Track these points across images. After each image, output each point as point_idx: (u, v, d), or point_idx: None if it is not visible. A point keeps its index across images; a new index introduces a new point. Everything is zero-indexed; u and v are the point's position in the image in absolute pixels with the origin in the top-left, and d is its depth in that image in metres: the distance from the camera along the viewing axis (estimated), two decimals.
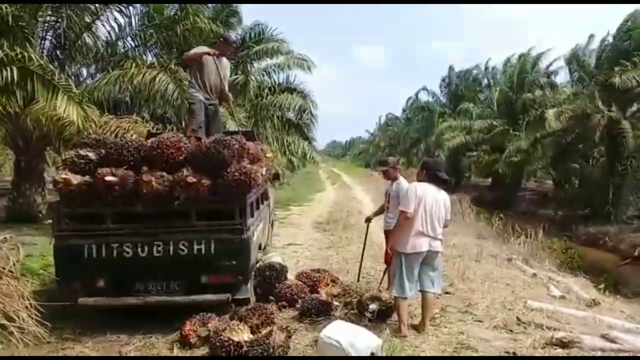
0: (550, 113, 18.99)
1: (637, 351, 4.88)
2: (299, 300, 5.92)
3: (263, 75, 18.02)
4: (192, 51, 7.09)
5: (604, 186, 18.32)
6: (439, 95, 41.10)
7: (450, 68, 39.96)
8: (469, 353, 4.75)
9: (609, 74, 17.63)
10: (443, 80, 40.35)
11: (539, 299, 6.75)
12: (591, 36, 24.02)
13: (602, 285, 8.75)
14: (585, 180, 20.39)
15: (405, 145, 46.86)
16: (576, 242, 16.52)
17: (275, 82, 18.62)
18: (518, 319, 5.69)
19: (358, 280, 7.09)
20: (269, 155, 7.60)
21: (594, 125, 17.64)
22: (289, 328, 4.74)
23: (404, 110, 58.76)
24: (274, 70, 18.31)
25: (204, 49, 7.20)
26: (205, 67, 7.07)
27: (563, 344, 4.90)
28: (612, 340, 5.00)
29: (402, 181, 6.39)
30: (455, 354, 4.71)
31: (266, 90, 17.87)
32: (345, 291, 6.26)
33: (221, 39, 7.04)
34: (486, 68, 36.21)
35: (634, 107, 19.87)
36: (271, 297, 6.11)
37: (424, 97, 43.31)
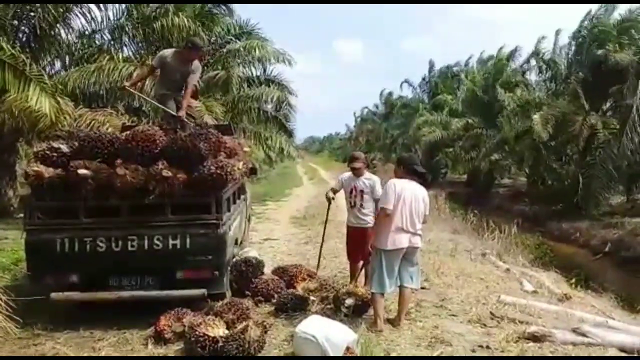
0: (537, 118, 19.03)
1: (607, 344, 4.99)
2: (275, 295, 5.90)
3: (243, 67, 17.86)
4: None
5: (576, 182, 18.65)
6: (419, 92, 41.40)
7: (430, 63, 40.28)
8: (443, 347, 4.80)
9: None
10: (423, 79, 40.62)
11: (512, 294, 6.86)
12: (558, 32, 24.48)
13: (573, 280, 8.92)
14: (558, 177, 20.76)
15: (384, 141, 47.08)
16: (549, 238, 16.82)
17: (254, 75, 18.52)
18: (491, 313, 5.78)
19: (317, 267, 7.04)
20: (246, 149, 7.54)
21: (577, 132, 17.82)
22: (264, 323, 4.72)
23: (376, 107, 59.10)
24: (253, 64, 18.21)
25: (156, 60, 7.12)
26: (165, 71, 6.95)
27: (535, 338, 4.99)
28: (583, 334, 5.10)
29: (374, 176, 6.39)
30: (430, 348, 4.75)
31: (244, 83, 17.74)
32: (321, 286, 6.25)
33: (189, 45, 6.93)
34: (466, 64, 36.55)
35: (607, 105, 20.36)
36: (247, 292, 6.08)
37: (405, 92, 43.51)
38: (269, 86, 18.13)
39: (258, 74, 18.63)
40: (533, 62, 27.28)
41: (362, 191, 6.25)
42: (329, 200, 6.62)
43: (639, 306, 8.55)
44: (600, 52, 19.16)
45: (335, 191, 6.63)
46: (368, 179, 6.29)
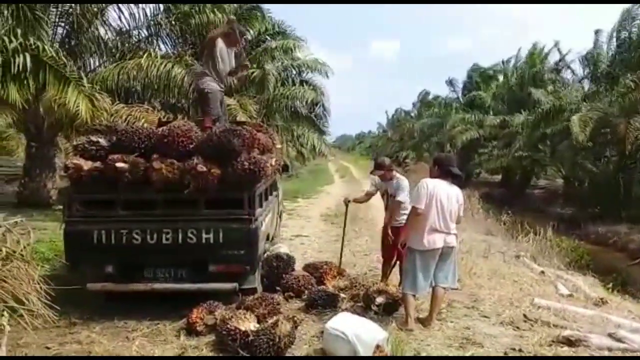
0: (575, 120, 18.51)
1: None
2: (306, 292, 5.94)
3: (280, 72, 18.03)
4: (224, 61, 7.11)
5: (614, 184, 18.12)
6: (457, 92, 40.80)
7: (474, 65, 39.58)
8: (474, 348, 4.74)
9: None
10: (464, 84, 39.96)
11: (547, 297, 6.73)
12: (597, 31, 23.77)
13: (610, 285, 8.69)
14: (596, 179, 20.20)
15: (417, 139, 46.63)
16: (585, 241, 16.39)
17: (289, 76, 18.66)
18: (525, 316, 5.67)
19: (339, 263, 7.07)
20: (278, 146, 7.60)
21: (622, 132, 17.18)
22: (295, 318, 4.74)
23: (413, 105, 58.66)
24: (290, 64, 18.38)
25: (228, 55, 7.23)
26: (221, 56, 7.08)
27: (570, 342, 4.88)
28: (620, 340, 4.97)
29: (402, 179, 6.39)
30: (462, 349, 4.70)
31: (279, 83, 17.87)
32: (352, 284, 6.26)
33: (232, 29, 7.01)
34: (504, 63, 35.89)
35: None
36: (278, 288, 6.13)
37: (442, 91, 42.97)
38: (303, 86, 18.25)
39: (293, 74, 18.77)
40: (570, 59, 26.74)
41: (392, 195, 6.32)
42: (346, 203, 7.27)
43: None
44: None
45: (371, 194, 6.95)
46: (396, 181, 6.35)
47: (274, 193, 7.97)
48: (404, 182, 6.31)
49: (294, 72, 18.78)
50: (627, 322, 5.93)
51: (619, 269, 12.59)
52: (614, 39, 22.35)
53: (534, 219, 16.09)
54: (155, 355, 4.36)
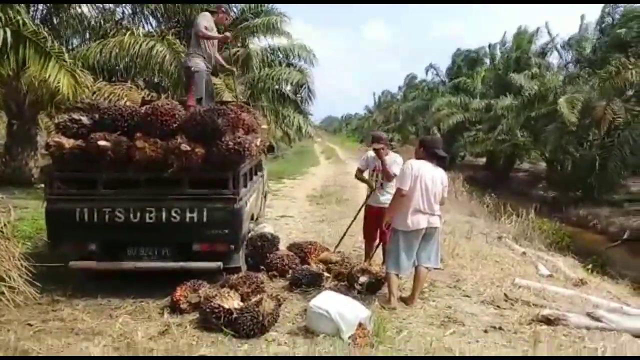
0: (562, 102, 18.65)
1: (621, 330, 4.96)
2: (290, 271, 5.96)
3: (264, 53, 17.84)
4: (209, 34, 7.03)
5: (593, 166, 18.34)
6: (442, 76, 40.81)
7: (458, 50, 39.52)
8: (455, 326, 4.82)
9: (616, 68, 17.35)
10: (448, 68, 39.92)
11: (527, 277, 6.84)
12: (583, 16, 23.98)
13: (590, 266, 8.86)
14: (578, 163, 20.44)
15: (403, 122, 46.72)
16: (567, 223, 16.62)
17: (276, 57, 18.47)
18: (505, 295, 5.77)
19: (335, 250, 7.04)
20: (264, 126, 7.56)
21: (600, 115, 17.42)
22: (278, 297, 4.78)
23: (399, 88, 58.67)
24: (276, 52, 18.21)
25: (214, 30, 7.15)
26: (208, 36, 7.03)
27: (549, 321, 4.98)
28: (597, 319, 5.07)
29: (396, 156, 6.32)
30: (443, 327, 4.77)
31: (266, 64, 17.69)
32: (335, 263, 6.30)
33: (222, 9, 7.00)
34: (489, 46, 35.93)
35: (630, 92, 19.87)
36: (262, 267, 6.15)
37: (429, 76, 42.93)
38: (289, 67, 18.09)
39: (280, 56, 18.58)
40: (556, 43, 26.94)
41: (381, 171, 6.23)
42: (372, 187, 6.38)
43: None
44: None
45: (361, 171, 6.62)
46: (391, 158, 6.22)
47: (259, 173, 7.96)
48: (399, 158, 6.23)
49: (281, 55, 18.61)
50: (605, 302, 6.05)
51: (599, 251, 12.83)
52: (598, 26, 22.59)
53: (517, 201, 16.25)
54: (139, 331, 4.36)
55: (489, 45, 35.54)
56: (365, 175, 6.61)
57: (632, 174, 18.79)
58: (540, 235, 11.80)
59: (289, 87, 19.15)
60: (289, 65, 18.42)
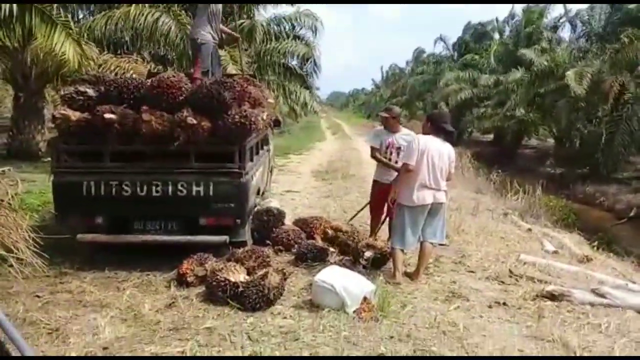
0: (570, 74, 18.45)
1: (625, 306, 4.97)
2: (295, 245, 5.98)
3: (269, 24, 17.65)
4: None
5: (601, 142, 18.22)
6: (451, 50, 40.35)
7: (469, 23, 38.94)
8: (460, 301, 4.84)
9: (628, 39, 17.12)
10: (457, 39, 39.40)
11: (532, 253, 6.84)
12: None
13: (595, 243, 8.84)
14: (586, 139, 20.29)
15: (410, 97, 46.37)
16: (574, 200, 16.60)
17: (281, 30, 18.27)
18: (510, 271, 5.77)
19: (350, 219, 7.14)
20: (270, 100, 7.52)
21: (607, 88, 17.27)
22: (284, 271, 4.81)
23: (407, 63, 58.08)
24: (282, 21, 18.00)
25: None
26: (218, 10, 6.96)
27: (553, 297, 4.99)
28: (602, 295, 5.08)
29: (413, 133, 6.17)
30: (447, 302, 4.79)
31: (272, 36, 17.50)
32: (345, 232, 6.30)
33: None
34: (496, 20, 35.44)
35: None
36: (268, 242, 6.17)
37: (437, 48, 42.47)
38: (296, 41, 17.90)
39: (286, 28, 18.37)
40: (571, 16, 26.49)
41: (399, 148, 6.09)
42: (393, 168, 6.00)
43: None
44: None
45: (376, 149, 6.29)
46: (406, 135, 6.13)
47: (265, 148, 7.94)
48: (412, 134, 6.11)
49: (287, 26, 18.38)
50: (610, 279, 6.06)
51: (605, 228, 12.82)
52: None
53: (524, 178, 16.19)
54: (146, 304, 4.42)
55: (496, 20, 35.08)
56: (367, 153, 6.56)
57: (638, 149, 18.67)
58: (547, 212, 11.78)
59: (295, 61, 19.01)
60: (295, 38, 18.21)
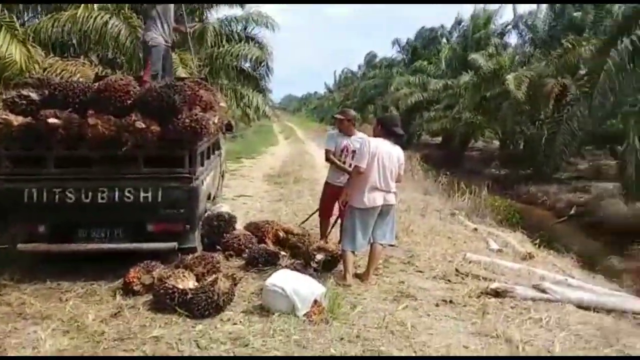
0: (510, 78, 19.20)
1: (565, 301, 5.21)
2: (247, 250, 5.97)
3: (221, 26, 17.47)
4: None
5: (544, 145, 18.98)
6: (402, 54, 41.13)
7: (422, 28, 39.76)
8: (408, 301, 4.96)
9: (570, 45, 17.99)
10: (406, 42, 40.19)
11: (478, 252, 7.08)
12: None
13: (537, 241, 9.21)
14: (529, 141, 21.08)
15: (361, 100, 46.88)
16: (517, 200, 17.22)
17: (233, 31, 18.10)
18: (457, 270, 5.96)
19: (301, 223, 7.20)
20: (222, 104, 7.48)
21: (549, 90, 18.07)
22: (234, 276, 4.79)
23: (359, 67, 58.76)
24: (233, 22, 17.86)
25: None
26: (168, 9, 6.85)
27: (497, 294, 5.19)
28: (543, 291, 5.31)
29: (366, 136, 6.27)
30: (396, 302, 4.90)
31: (224, 39, 17.32)
32: (296, 235, 6.33)
33: None
34: (441, 27, 36.44)
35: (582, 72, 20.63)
36: (218, 247, 6.14)
37: (389, 53, 43.24)
38: (249, 43, 17.79)
39: (238, 29, 18.22)
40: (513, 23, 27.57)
41: (354, 151, 6.07)
42: (347, 172, 5.93)
43: (598, 266, 9.00)
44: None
45: (330, 152, 6.30)
46: (360, 138, 6.15)
47: (217, 152, 7.88)
48: (366, 137, 6.22)
49: (239, 27, 18.22)
50: (550, 275, 6.33)
51: (546, 227, 13.36)
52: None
53: (471, 179, 16.67)
54: (89, 314, 4.31)
55: (440, 26, 36.08)
56: (321, 156, 6.60)
57: (578, 150, 19.55)
58: (492, 212, 12.20)
59: (247, 64, 18.90)
60: (248, 40, 18.07)
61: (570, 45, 17.71)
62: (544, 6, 24.44)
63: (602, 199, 15.55)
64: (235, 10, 17.66)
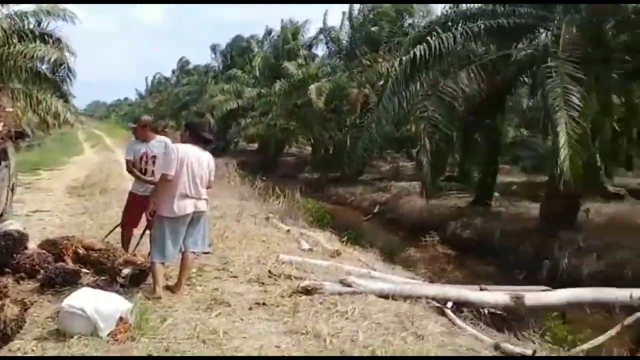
0: (312, 88, 20.49)
1: (368, 292, 5.63)
2: (41, 271, 5.37)
3: (12, 23, 15.48)
4: None
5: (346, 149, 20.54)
6: (218, 61, 41.01)
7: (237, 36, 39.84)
8: (221, 308, 4.92)
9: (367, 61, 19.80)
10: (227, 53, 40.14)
11: (291, 253, 7.31)
12: (344, 13, 26.56)
13: (345, 238, 9.87)
14: (337, 146, 22.61)
15: (175, 106, 45.66)
16: (328, 202, 18.33)
17: (25, 27, 16.15)
18: (270, 272, 6.09)
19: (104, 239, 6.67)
20: (9, 109, 6.66)
21: (354, 99, 19.64)
22: (25, 301, 4.27)
23: (173, 72, 57.32)
24: (25, 17, 15.96)
25: None
26: None
27: (307, 291, 5.41)
28: (348, 285, 5.66)
29: (166, 138, 6.14)
30: (209, 310, 4.83)
31: (15, 37, 15.36)
32: (99, 251, 5.87)
33: None
34: (251, 37, 37.34)
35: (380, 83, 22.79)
36: (7, 269, 5.43)
37: (203, 60, 42.84)
38: (46, 42, 16.03)
39: (31, 25, 16.30)
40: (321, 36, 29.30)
41: (154, 157, 5.93)
42: (146, 181, 5.90)
43: (398, 258, 9.97)
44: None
45: (131, 162, 6.10)
46: (160, 141, 5.98)
47: (3, 163, 6.98)
48: (168, 140, 6.02)
49: (32, 20, 16.32)
50: (355, 269, 6.83)
51: (354, 225, 14.42)
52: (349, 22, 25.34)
53: (286, 183, 17.28)
54: None
55: (251, 36, 37.01)
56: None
57: (381, 153, 21.47)
58: (305, 214, 12.76)
59: (45, 66, 17.06)
60: (44, 39, 16.29)
61: (368, 63, 19.58)
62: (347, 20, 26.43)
63: (400, 197, 17.28)
64: (28, 6, 15.85)
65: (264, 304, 5.09)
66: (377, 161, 23.06)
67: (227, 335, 4.25)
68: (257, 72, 32.19)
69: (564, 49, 9.82)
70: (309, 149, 29.23)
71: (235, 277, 5.98)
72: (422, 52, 11.10)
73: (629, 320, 6.33)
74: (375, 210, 16.79)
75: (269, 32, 34.56)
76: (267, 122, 26.16)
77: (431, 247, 11.02)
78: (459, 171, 17.58)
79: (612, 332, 6.18)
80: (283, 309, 4.99)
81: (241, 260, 6.63)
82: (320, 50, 30.85)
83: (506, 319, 5.98)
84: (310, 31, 31.16)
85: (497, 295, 6.14)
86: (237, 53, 38.44)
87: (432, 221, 13.85)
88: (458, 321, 5.30)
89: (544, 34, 11.52)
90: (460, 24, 12.05)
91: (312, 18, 36.44)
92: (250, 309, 4.98)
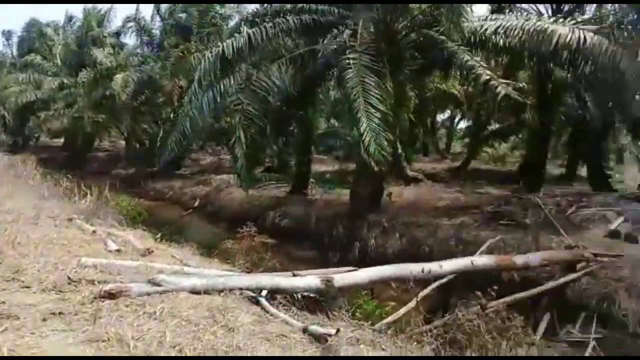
0: (118, 79, 19.37)
1: (179, 289, 5.46)
2: None
3: None
4: None
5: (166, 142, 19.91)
6: (12, 49, 36.40)
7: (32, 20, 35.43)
8: (9, 322, 4.38)
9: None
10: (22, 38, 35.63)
11: (96, 255, 6.78)
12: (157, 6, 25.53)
13: (159, 235, 9.47)
14: (153, 140, 21.63)
15: None
16: (146, 198, 17.52)
17: None
18: (69, 278, 5.56)
19: None
20: None
21: (169, 91, 18.95)
22: None
23: None
24: None
25: None
26: None
27: (112, 295, 5.05)
28: (158, 284, 5.42)
29: None
30: None
31: None
32: None
33: None
34: (48, 24, 33.98)
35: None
36: None
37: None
38: None
39: None
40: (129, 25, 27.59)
41: None
42: None
43: (216, 251, 9.89)
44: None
45: None
46: None
47: None
48: None
49: None
50: (168, 267, 6.58)
51: (172, 220, 13.99)
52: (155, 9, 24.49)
53: (97, 180, 16.13)
54: None
55: (50, 22, 33.78)
56: None
57: (202, 146, 21.09)
58: (116, 212, 12.00)
59: None
60: None
61: (181, 53, 19.07)
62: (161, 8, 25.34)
63: (221, 189, 17.21)
64: None
65: (60, 313, 4.63)
66: (198, 154, 22.65)
67: (13, 352, 3.79)
68: (59, 60, 29.34)
69: (361, 43, 10.68)
70: (123, 143, 27.56)
71: (27, 287, 5.34)
72: (233, 46, 11.15)
73: (423, 292, 7.16)
74: (196, 204, 16.50)
75: (69, 18, 31.61)
76: (73, 115, 23.98)
77: (249, 238, 11.08)
78: (278, 162, 18.09)
79: (410, 304, 6.92)
80: (83, 317, 4.58)
81: (36, 267, 5.94)
82: (130, 40, 29.14)
83: (319, 302, 6.29)
84: (118, 19, 29.35)
85: (309, 280, 6.38)
86: (33, 39, 34.49)
87: (252, 212, 14.03)
88: (271, 309, 5.42)
89: (346, 32, 12.28)
90: (270, 19, 12.33)
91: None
92: (45, 320, 4.48)
